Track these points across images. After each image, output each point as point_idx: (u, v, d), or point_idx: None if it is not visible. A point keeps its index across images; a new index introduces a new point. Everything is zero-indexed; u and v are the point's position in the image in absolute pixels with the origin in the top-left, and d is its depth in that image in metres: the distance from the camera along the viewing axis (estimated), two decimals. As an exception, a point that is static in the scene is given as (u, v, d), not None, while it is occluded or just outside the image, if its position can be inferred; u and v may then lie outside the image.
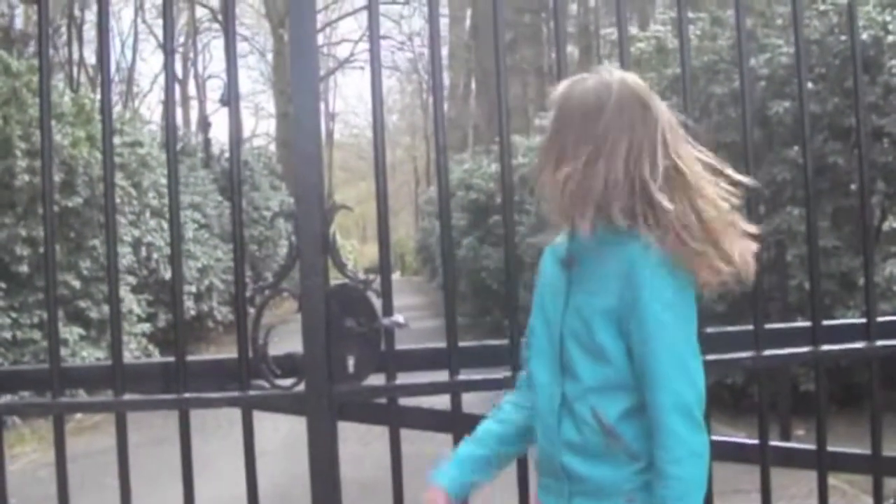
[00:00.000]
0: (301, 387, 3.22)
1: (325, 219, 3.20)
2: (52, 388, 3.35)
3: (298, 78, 3.22)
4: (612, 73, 2.46)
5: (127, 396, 3.34)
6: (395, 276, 49.77)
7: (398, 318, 3.19)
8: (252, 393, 3.27)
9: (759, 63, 10.05)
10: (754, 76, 9.74)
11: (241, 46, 43.67)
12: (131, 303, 14.10)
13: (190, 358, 3.37)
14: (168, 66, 3.80)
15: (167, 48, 3.74)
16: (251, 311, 3.33)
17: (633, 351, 2.32)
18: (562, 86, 2.49)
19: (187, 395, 3.28)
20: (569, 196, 2.38)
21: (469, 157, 23.79)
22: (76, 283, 12.82)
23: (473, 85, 41.50)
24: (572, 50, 33.14)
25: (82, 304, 13.03)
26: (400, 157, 57.54)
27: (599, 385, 2.37)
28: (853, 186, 9.76)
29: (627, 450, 2.35)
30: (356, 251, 59.37)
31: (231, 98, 3.50)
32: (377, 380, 3.28)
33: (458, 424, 3.29)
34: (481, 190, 18.32)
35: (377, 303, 3.22)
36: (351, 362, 3.20)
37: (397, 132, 58.14)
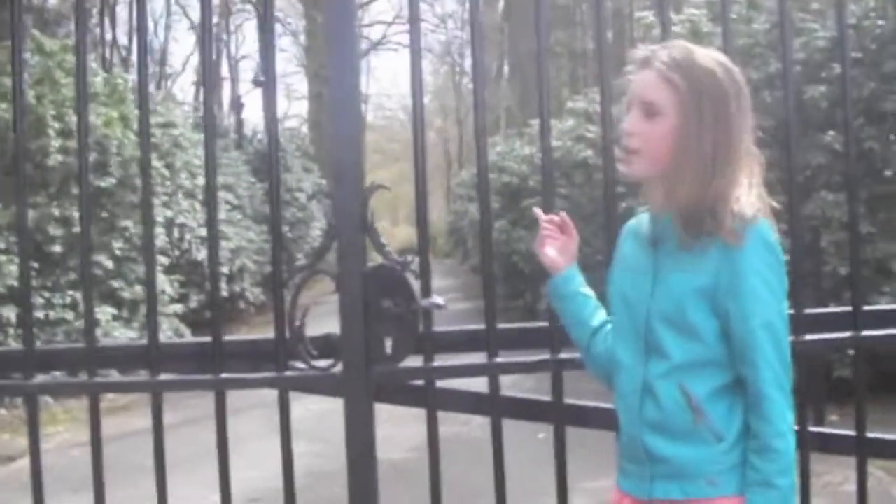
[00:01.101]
0: (338, 368, 3.20)
1: (364, 199, 3.18)
2: (87, 367, 3.35)
3: (337, 56, 3.19)
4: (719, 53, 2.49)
5: (163, 376, 3.34)
6: (426, 258, 49.46)
7: (437, 299, 3.16)
8: (289, 374, 3.26)
9: (795, 47, 9.95)
10: (790, 60, 9.65)
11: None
12: (163, 283, 14.14)
13: (226, 338, 3.36)
14: (206, 48, 3.79)
15: (205, 27, 3.72)
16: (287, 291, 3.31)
17: (732, 328, 2.34)
18: (683, 51, 2.45)
19: (224, 375, 3.28)
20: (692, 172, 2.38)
21: (501, 140, 23.71)
22: (109, 264, 12.89)
23: (506, 68, 41.38)
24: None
25: (115, 284, 13.11)
26: (432, 140, 57.40)
27: (689, 362, 2.37)
28: (888, 172, 9.67)
29: (712, 429, 2.36)
30: (387, 233, 59.15)
31: (268, 78, 3.49)
32: (414, 361, 3.26)
33: (496, 407, 3.28)
34: (514, 173, 18.26)
35: (415, 284, 3.20)
36: (388, 344, 3.18)
37: (429, 114, 57.98)
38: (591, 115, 15.68)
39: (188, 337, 14.79)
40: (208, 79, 3.95)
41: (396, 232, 62.10)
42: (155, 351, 3.30)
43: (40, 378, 3.49)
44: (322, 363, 3.22)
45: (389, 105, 62.18)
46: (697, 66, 2.40)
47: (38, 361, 3.45)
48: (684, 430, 2.37)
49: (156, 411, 3.31)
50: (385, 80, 67.41)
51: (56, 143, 11.93)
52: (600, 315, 2.73)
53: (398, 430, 7.51)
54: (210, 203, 3.40)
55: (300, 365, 3.24)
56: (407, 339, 3.17)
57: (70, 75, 12.58)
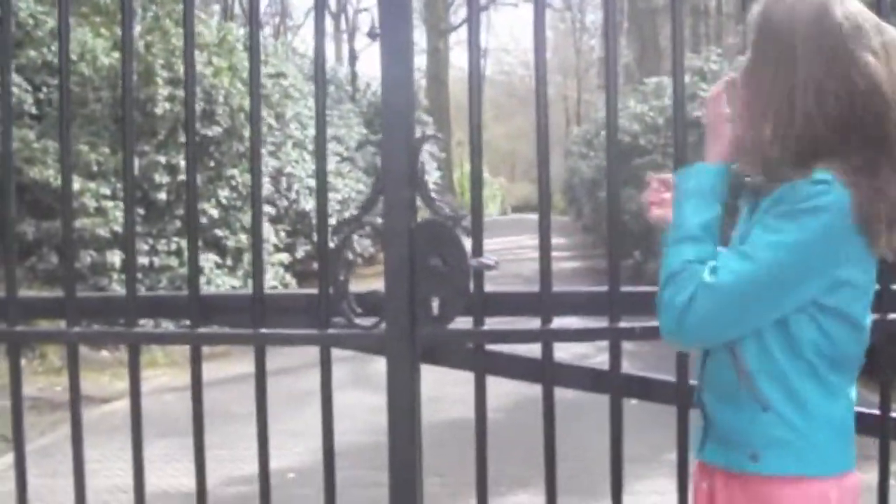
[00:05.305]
0: (382, 327, 3.05)
1: (413, 149, 2.99)
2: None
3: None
4: None
5: (203, 330, 3.23)
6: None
7: (488, 258, 2.98)
8: (331, 331, 3.11)
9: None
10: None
11: (394, -18, 43.70)
12: (269, 233, 14.19)
13: (272, 292, 3.24)
14: None
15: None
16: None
17: None
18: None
19: (264, 330, 3.15)
20: None
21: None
22: (214, 212, 12.95)
23: (626, 23, 40.71)
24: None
25: (219, 232, 13.18)
26: (551, 96, 56.75)
27: None
28: None
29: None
30: (504, 189, 59.21)
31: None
32: (465, 323, 3.08)
33: (548, 375, 3.09)
34: (625, 131, 17.84)
35: (466, 241, 3.01)
36: (436, 304, 3.00)
37: (548, 70, 57.26)
38: (706, 73, 15.30)
39: (293, 287, 14.84)
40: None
41: (513, 188, 62.00)
42: (195, 303, 3.19)
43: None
44: (366, 322, 3.06)
45: (508, 60, 62.11)
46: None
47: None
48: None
49: (195, 364, 3.21)
50: (504, 36, 67.08)
51: (164, 91, 12.01)
52: None
53: (496, 386, 7.34)
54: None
55: (343, 322, 3.09)
56: (455, 299, 2.98)
57: (179, 25, 12.62)
